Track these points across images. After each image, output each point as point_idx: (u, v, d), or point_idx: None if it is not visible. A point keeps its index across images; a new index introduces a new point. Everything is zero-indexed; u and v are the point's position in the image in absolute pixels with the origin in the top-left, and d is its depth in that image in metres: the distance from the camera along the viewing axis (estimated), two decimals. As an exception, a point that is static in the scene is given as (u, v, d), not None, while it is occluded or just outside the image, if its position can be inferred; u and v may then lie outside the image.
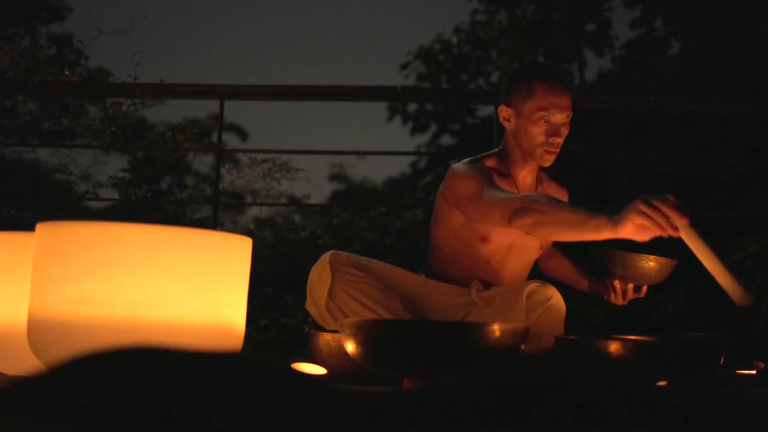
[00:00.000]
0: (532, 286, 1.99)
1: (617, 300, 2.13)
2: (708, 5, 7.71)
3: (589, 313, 3.00)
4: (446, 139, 11.31)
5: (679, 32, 8.58)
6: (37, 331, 1.25)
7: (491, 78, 10.82)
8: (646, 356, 1.50)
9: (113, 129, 3.46)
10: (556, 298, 1.99)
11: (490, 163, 2.15)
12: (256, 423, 0.60)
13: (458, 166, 2.12)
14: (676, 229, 1.61)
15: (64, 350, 1.18)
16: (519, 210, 1.82)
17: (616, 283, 2.10)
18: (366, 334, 1.34)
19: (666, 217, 1.60)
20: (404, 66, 10.92)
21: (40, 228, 1.28)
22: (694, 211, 1.77)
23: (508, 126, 2.09)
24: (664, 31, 8.93)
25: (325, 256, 2.04)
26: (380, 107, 12.40)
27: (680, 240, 1.65)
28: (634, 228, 1.64)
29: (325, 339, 1.79)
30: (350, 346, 1.38)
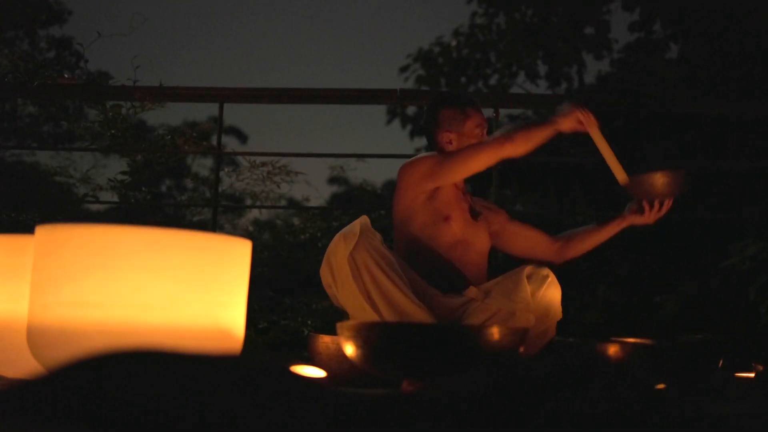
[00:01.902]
0: (529, 267, 2.18)
1: (648, 218, 2.37)
2: (707, 8, 7.72)
3: (588, 316, 3.00)
4: (446, 142, 11.29)
5: (677, 35, 8.59)
6: (36, 333, 1.25)
7: (490, 81, 10.82)
8: (645, 359, 1.50)
9: (113, 132, 3.46)
10: (552, 277, 2.19)
11: None
12: (255, 425, 0.60)
13: (416, 156, 2.46)
14: (592, 125, 2.31)
15: (63, 353, 1.17)
16: (503, 137, 2.29)
17: (644, 203, 2.37)
18: (365, 336, 1.34)
19: (587, 118, 2.28)
20: (403, 69, 10.92)
21: (40, 230, 1.28)
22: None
23: (451, 147, 2.42)
24: (662, 34, 8.94)
25: (356, 221, 2.15)
26: (379, 110, 12.40)
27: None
28: (567, 123, 2.27)
29: (324, 342, 1.79)
30: (349, 349, 1.38)
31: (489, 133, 2.47)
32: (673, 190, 2.36)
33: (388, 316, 1.95)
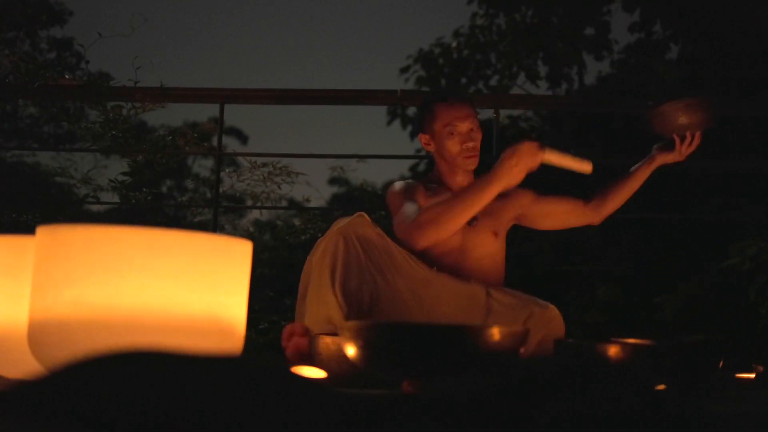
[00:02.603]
0: (534, 308, 2.14)
1: (678, 154, 2.30)
2: (707, 9, 7.71)
3: (588, 316, 3.00)
4: (446, 143, 11.30)
5: (678, 36, 8.59)
6: (37, 333, 1.25)
7: (491, 82, 10.82)
8: (645, 359, 1.50)
9: (113, 132, 3.47)
10: (556, 321, 2.14)
11: (430, 178, 2.46)
12: (255, 426, 0.61)
13: (395, 183, 2.42)
14: (540, 159, 2.09)
15: (64, 353, 1.18)
16: (418, 223, 2.14)
17: (675, 137, 2.29)
18: (366, 337, 1.34)
19: (528, 155, 2.09)
20: (404, 70, 10.92)
21: (41, 231, 1.28)
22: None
23: (431, 149, 2.42)
24: (663, 35, 8.94)
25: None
26: (380, 111, 12.40)
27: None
28: (513, 173, 2.11)
29: (325, 342, 1.79)
30: (350, 349, 1.38)
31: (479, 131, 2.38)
32: (699, 120, 2.24)
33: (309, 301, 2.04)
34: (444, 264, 2.30)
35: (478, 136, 2.39)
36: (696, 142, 2.31)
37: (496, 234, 2.40)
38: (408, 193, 2.33)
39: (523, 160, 2.10)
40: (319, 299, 2.08)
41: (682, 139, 2.29)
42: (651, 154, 2.38)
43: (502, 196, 2.36)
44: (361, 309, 2.08)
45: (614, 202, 2.43)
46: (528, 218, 2.47)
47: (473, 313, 2.16)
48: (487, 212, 2.35)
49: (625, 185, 2.42)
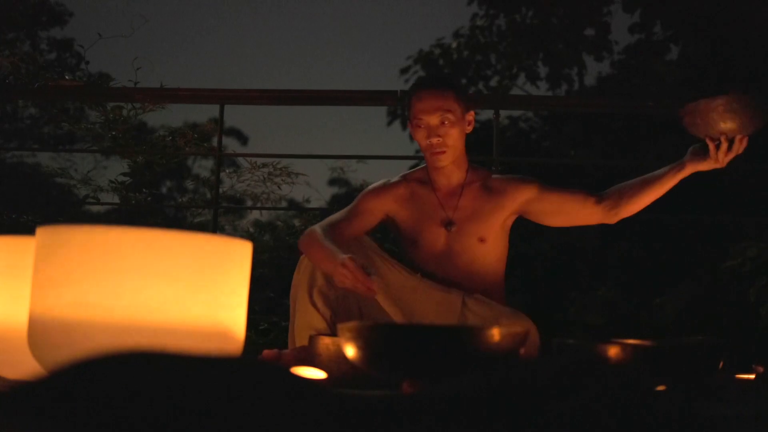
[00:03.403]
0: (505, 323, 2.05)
1: (716, 161, 2.01)
2: (707, 9, 7.71)
3: (588, 317, 3.00)
4: (446, 143, 11.30)
5: (678, 36, 8.59)
6: (37, 334, 1.25)
7: (491, 82, 10.82)
8: (645, 360, 1.50)
9: (113, 133, 3.47)
10: (530, 338, 2.09)
11: (416, 175, 2.36)
12: (255, 427, 0.60)
13: (370, 185, 2.38)
14: (371, 288, 1.90)
15: (64, 354, 1.18)
16: (305, 234, 2.17)
17: (708, 142, 2.00)
18: (365, 338, 1.34)
19: (357, 279, 1.91)
20: (404, 70, 10.92)
21: (41, 232, 1.28)
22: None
23: (416, 138, 2.29)
24: (663, 36, 8.94)
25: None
26: (380, 111, 12.40)
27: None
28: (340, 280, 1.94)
29: (325, 343, 1.79)
30: (349, 350, 1.38)
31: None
32: (741, 121, 1.88)
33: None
34: (428, 270, 2.26)
35: (451, 131, 2.22)
36: (738, 147, 1.99)
37: (482, 239, 2.26)
38: (356, 203, 2.31)
39: (348, 280, 1.97)
40: (302, 312, 2.12)
41: (718, 144, 1.99)
42: (683, 158, 2.10)
43: (496, 195, 2.26)
44: (350, 314, 2.10)
45: (632, 206, 2.18)
46: (532, 214, 2.28)
47: (448, 321, 2.13)
48: (471, 217, 2.26)
49: (647, 190, 2.16)
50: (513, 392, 0.69)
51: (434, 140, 2.21)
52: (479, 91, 10.64)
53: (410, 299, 2.17)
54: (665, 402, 0.73)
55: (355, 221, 2.28)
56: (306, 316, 2.12)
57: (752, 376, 1.94)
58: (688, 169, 2.09)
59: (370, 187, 2.37)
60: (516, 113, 10.92)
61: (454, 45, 10.85)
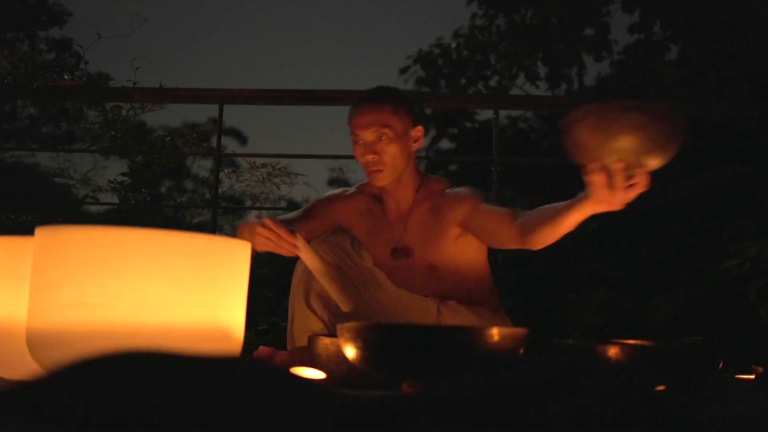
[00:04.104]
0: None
1: (604, 198, 1.50)
2: (706, 9, 7.72)
3: (587, 318, 3.00)
4: (445, 144, 11.33)
5: (677, 36, 8.60)
6: (36, 335, 1.25)
7: (490, 82, 10.83)
8: (645, 360, 1.50)
9: (112, 133, 3.47)
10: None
11: (373, 190, 2.23)
12: (255, 427, 0.60)
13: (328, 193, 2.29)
14: (295, 245, 1.83)
15: (63, 354, 1.18)
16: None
17: (595, 175, 1.46)
18: (365, 338, 1.34)
19: (280, 237, 1.83)
20: (403, 70, 10.93)
21: (40, 232, 1.28)
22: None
23: None
24: (662, 36, 8.95)
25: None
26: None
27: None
28: (251, 239, 1.82)
29: (324, 343, 1.79)
30: (349, 351, 1.38)
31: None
32: (653, 141, 1.32)
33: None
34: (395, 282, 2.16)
35: (389, 148, 2.07)
36: (641, 180, 1.45)
37: (433, 267, 2.11)
38: (311, 206, 2.21)
39: (270, 237, 1.86)
40: (300, 316, 2.08)
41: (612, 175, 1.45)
42: (582, 194, 1.62)
43: (441, 215, 2.10)
44: (349, 314, 2.06)
45: (546, 236, 1.82)
46: (472, 231, 2.08)
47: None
48: (419, 244, 2.12)
49: (556, 223, 1.77)
50: (513, 392, 0.69)
51: (369, 157, 2.07)
52: (479, 91, 10.65)
53: (394, 308, 2.11)
54: (665, 402, 0.73)
55: (307, 222, 2.17)
56: (304, 320, 2.08)
57: (752, 377, 1.94)
58: (587, 208, 1.62)
59: (327, 194, 2.28)
60: (515, 113, 10.94)
61: (453, 45, 10.86)
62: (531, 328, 1.42)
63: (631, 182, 1.49)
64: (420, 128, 2.15)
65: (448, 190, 2.18)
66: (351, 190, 2.28)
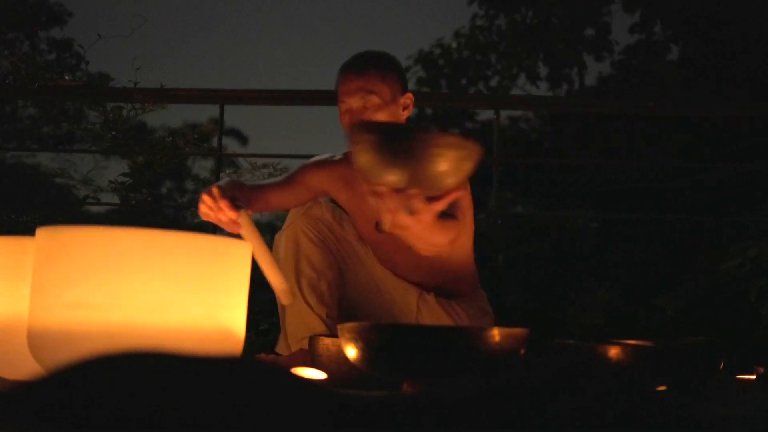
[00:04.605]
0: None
1: (395, 221, 1.45)
2: (707, 10, 7.72)
3: (588, 317, 3.00)
4: (446, 144, 11.30)
5: (678, 37, 8.60)
6: (36, 335, 1.25)
7: (491, 82, 10.83)
8: (646, 361, 1.50)
9: (113, 133, 3.47)
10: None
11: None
12: (255, 427, 0.60)
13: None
14: (234, 220, 1.73)
15: (63, 355, 1.18)
16: None
17: (369, 190, 1.44)
18: (365, 338, 1.34)
19: (221, 210, 1.74)
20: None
21: (40, 232, 1.28)
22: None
23: None
24: (663, 36, 8.95)
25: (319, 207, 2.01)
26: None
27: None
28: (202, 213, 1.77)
29: (325, 343, 1.79)
30: (350, 351, 1.38)
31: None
32: (421, 166, 1.27)
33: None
34: (381, 258, 2.09)
35: (376, 115, 1.96)
36: (417, 207, 1.40)
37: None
38: (294, 173, 2.11)
39: (212, 207, 1.77)
40: (295, 313, 2.02)
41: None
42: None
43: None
44: (333, 309, 2.01)
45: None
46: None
47: (405, 317, 2.05)
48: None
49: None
50: (513, 392, 0.69)
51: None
52: (479, 91, 10.65)
53: (378, 289, 2.06)
54: (665, 402, 0.73)
55: (287, 189, 2.10)
56: (301, 317, 2.02)
57: (752, 377, 1.94)
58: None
59: (312, 159, 2.17)
60: (516, 113, 10.93)
61: (454, 45, 10.86)
62: (531, 329, 1.42)
63: (413, 205, 1.42)
64: (410, 95, 2.06)
65: None
66: (338, 156, 2.17)
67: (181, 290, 1.21)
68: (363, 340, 1.34)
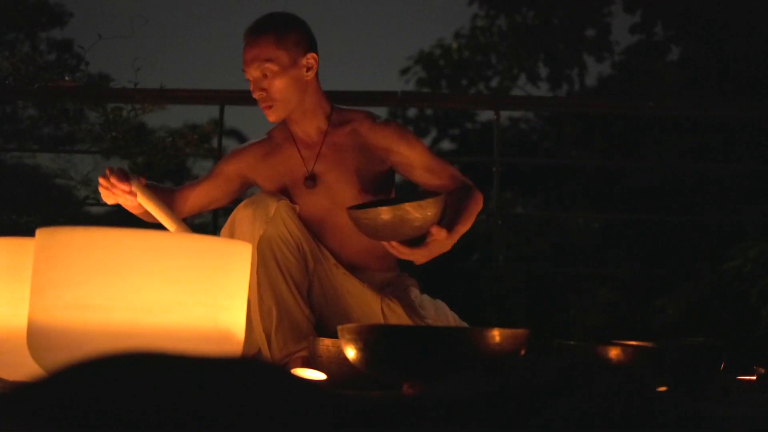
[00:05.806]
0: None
1: (412, 256, 1.80)
2: (707, 10, 7.72)
3: (589, 318, 3.00)
4: (446, 144, 11.32)
5: (678, 37, 8.60)
6: (36, 336, 1.25)
7: (491, 83, 10.83)
8: (647, 362, 1.50)
9: (113, 134, 3.46)
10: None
11: (280, 129, 2.10)
12: (255, 428, 0.60)
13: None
14: (129, 191, 1.83)
15: (63, 356, 1.17)
16: None
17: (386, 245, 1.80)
18: (366, 339, 1.34)
19: (112, 185, 1.83)
20: (404, 71, 10.93)
21: (40, 233, 1.28)
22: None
23: None
24: (663, 36, 8.94)
25: (273, 200, 1.91)
26: (380, 112, 12.40)
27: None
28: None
29: (325, 344, 1.78)
30: (350, 352, 1.38)
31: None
32: (407, 232, 1.72)
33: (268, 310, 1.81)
34: (340, 256, 2.01)
35: (276, 83, 1.93)
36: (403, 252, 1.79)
37: (354, 195, 1.96)
38: (213, 166, 2.13)
39: (105, 185, 1.86)
40: (283, 307, 1.87)
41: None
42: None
43: (360, 138, 1.98)
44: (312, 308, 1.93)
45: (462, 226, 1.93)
46: (396, 162, 2.00)
47: (370, 319, 1.98)
48: (334, 168, 1.98)
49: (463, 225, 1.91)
50: (513, 392, 0.69)
51: (257, 94, 1.95)
52: (480, 92, 10.65)
53: (339, 291, 1.98)
54: (666, 403, 0.73)
55: (204, 183, 2.10)
56: (291, 317, 1.88)
57: (753, 378, 1.93)
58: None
59: (231, 150, 2.18)
60: (517, 114, 10.94)
61: (454, 45, 10.86)
62: (532, 329, 1.42)
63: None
64: (313, 54, 2.00)
65: (374, 119, 2.06)
66: (260, 138, 2.14)
67: (181, 291, 1.21)
68: (363, 341, 1.34)
